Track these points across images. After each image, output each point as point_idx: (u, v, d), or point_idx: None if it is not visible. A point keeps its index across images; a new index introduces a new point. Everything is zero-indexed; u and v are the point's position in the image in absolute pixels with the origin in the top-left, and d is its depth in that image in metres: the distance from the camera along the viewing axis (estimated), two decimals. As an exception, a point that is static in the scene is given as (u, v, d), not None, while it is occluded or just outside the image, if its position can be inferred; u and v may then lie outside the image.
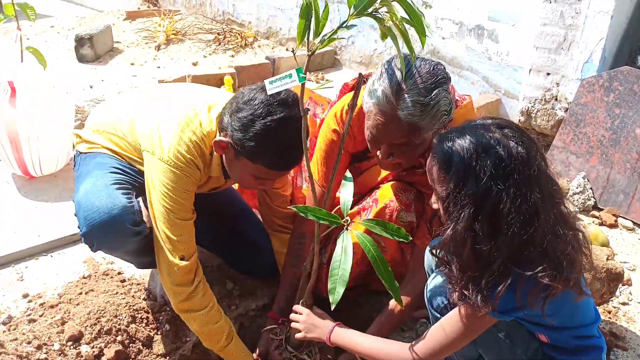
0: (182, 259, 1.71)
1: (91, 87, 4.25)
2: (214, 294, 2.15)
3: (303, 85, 1.32)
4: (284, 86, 1.35)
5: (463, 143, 1.31)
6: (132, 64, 4.86)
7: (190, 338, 2.00)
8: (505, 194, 1.25)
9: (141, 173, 1.82)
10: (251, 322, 2.20)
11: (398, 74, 1.59)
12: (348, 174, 1.64)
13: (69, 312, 1.96)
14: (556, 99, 3.35)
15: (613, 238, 2.86)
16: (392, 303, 1.87)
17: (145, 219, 1.74)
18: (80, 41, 4.85)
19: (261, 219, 2.24)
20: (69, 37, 5.36)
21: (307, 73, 1.36)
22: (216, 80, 4.17)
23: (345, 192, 1.58)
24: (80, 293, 2.08)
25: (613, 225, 2.97)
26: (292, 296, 1.92)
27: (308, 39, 1.32)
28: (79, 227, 1.73)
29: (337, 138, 1.96)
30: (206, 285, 1.81)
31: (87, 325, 1.89)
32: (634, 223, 2.97)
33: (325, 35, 1.32)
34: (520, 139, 1.31)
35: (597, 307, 2.24)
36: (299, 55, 5.19)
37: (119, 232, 1.69)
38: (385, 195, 1.93)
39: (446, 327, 1.43)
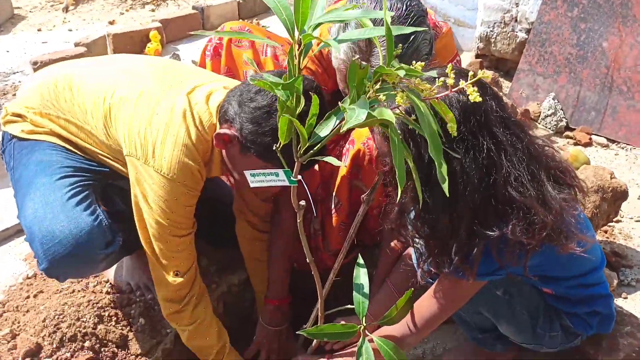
0: (176, 274, 1.48)
1: (-5, 60, 3.67)
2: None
3: (294, 188, 1.10)
4: (268, 183, 1.18)
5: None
6: (39, 30, 4.27)
7: (170, 329, 1.71)
8: (451, 151, 1.12)
9: (101, 166, 1.54)
10: (236, 298, 1.93)
11: None
12: (360, 260, 1.34)
13: (19, 322, 1.62)
14: (516, 20, 3.18)
15: (590, 156, 2.77)
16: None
17: (114, 216, 1.50)
18: (-29, 9, 4.18)
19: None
20: (-43, 6, 4.64)
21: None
22: (140, 37, 3.72)
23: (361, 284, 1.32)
24: (28, 297, 1.73)
25: (588, 144, 2.88)
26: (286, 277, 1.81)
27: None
28: (36, 258, 1.45)
29: (310, 73, 1.74)
30: (200, 299, 1.57)
31: (45, 335, 1.55)
32: (608, 139, 2.90)
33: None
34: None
35: (601, 228, 2.15)
36: (228, 1, 4.72)
37: (89, 260, 1.44)
38: (361, 134, 1.70)
39: (433, 299, 1.35)
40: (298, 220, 1.16)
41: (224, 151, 1.43)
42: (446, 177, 0.77)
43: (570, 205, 1.25)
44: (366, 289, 1.28)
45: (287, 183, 1.08)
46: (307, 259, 1.27)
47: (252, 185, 1.15)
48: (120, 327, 1.65)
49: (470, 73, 0.86)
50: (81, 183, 1.51)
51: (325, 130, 0.96)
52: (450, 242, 1.23)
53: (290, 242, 1.80)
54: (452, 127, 0.82)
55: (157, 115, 1.42)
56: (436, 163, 0.76)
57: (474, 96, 0.77)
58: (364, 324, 1.24)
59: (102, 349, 1.58)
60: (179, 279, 1.49)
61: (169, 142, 1.40)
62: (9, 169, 1.61)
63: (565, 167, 1.30)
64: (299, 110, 0.90)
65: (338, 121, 0.96)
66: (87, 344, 1.56)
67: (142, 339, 1.65)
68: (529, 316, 1.42)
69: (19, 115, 1.61)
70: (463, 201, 1.16)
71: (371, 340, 1.22)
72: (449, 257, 1.24)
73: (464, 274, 1.24)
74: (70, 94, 1.54)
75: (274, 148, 0.99)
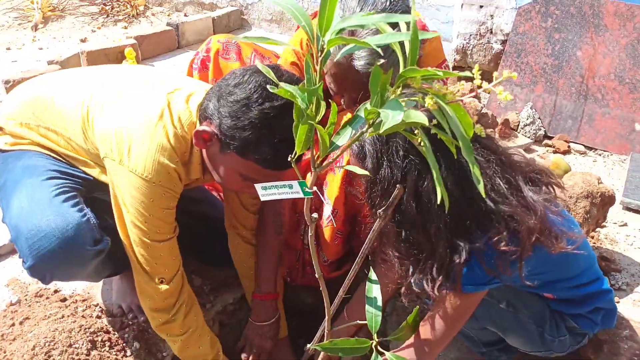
0: (161, 282, 1.42)
1: (-38, 79, 3.54)
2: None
3: (309, 199, 1.07)
4: (281, 195, 1.11)
5: None
6: (8, 49, 4.15)
7: (167, 352, 1.65)
8: (424, 169, 1.13)
9: (86, 175, 1.48)
10: (231, 317, 1.88)
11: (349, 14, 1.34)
12: (373, 276, 1.29)
13: (6, 352, 1.53)
14: (491, 32, 3.24)
15: (570, 164, 2.82)
16: None
17: (103, 231, 1.42)
18: None
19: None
20: None
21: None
22: (115, 54, 3.64)
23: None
24: (13, 324, 1.64)
25: (567, 152, 2.94)
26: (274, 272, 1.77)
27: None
28: (21, 258, 1.37)
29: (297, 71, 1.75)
30: (190, 307, 1.52)
31: (35, 364, 1.47)
32: (586, 146, 2.96)
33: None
34: None
35: (590, 234, 2.18)
36: (202, 18, 4.71)
37: (76, 257, 1.36)
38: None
39: (437, 317, 1.32)
40: (310, 234, 1.13)
41: (204, 151, 1.38)
42: (480, 179, 0.75)
43: (553, 203, 1.26)
44: (379, 303, 1.25)
45: (301, 195, 1.05)
46: (317, 275, 1.24)
47: (262, 198, 1.11)
48: (114, 353, 1.58)
49: (495, 74, 0.85)
50: (68, 185, 1.45)
51: (342, 139, 0.94)
52: (431, 259, 1.22)
53: (279, 238, 1.77)
54: (479, 129, 0.81)
55: (134, 114, 1.37)
56: (470, 164, 0.75)
57: (504, 95, 0.76)
58: (376, 340, 1.22)
59: (97, 376, 1.51)
60: (165, 287, 1.43)
61: (145, 142, 1.34)
62: None
63: (540, 168, 1.31)
64: (318, 118, 0.88)
65: (354, 131, 0.95)
66: (81, 371, 1.49)
67: (137, 363, 1.58)
68: (535, 324, 1.42)
69: None
70: (437, 217, 1.16)
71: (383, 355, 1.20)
72: (432, 274, 1.23)
73: (451, 288, 1.23)
74: (51, 103, 1.49)
75: (288, 159, 0.97)
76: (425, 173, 1.14)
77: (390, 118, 0.70)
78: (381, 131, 0.70)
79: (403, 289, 1.35)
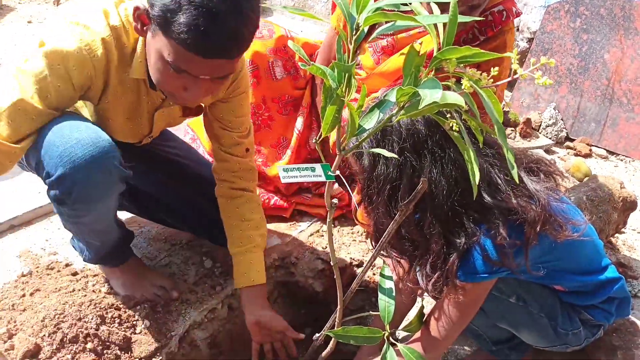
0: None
1: (-17, 51, 3.56)
2: (191, 276, 1.82)
3: (331, 183, 1.07)
4: (303, 178, 1.09)
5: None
6: (30, 22, 4.16)
7: (175, 332, 1.64)
8: (419, 164, 1.14)
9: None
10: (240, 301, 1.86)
11: None
12: (386, 272, 1.28)
13: (15, 322, 1.52)
14: (518, 30, 3.19)
15: (591, 168, 2.77)
16: None
17: None
18: (-41, -2, 4.06)
19: None
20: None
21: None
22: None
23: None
24: (24, 295, 1.64)
25: (588, 155, 2.89)
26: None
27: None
28: (47, 174, 1.31)
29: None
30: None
31: (44, 335, 1.46)
32: (607, 151, 2.91)
33: None
34: None
35: (609, 239, 2.14)
36: None
37: (106, 173, 1.31)
38: None
39: (444, 310, 1.31)
40: (328, 220, 1.11)
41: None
42: (514, 165, 0.73)
43: (555, 191, 1.26)
44: (393, 293, 1.23)
45: (324, 179, 1.03)
46: (332, 262, 1.22)
47: (283, 180, 1.09)
48: (123, 329, 1.57)
49: (532, 60, 0.82)
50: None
51: (369, 122, 0.92)
52: (426, 255, 1.22)
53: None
54: (513, 114, 0.78)
55: (79, 11, 1.33)
56: (505, 149, 0.72)
57: (544, 80, 0.74)
58: (389, 331, 1.20)
59: (105, 351, 1.49)
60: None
61: (89, 5, 1.32)
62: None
63: (538, 158, 1.31)
64: (348, 97, 0.86)
65: (382, 114, 0.92)
66: (89, 345, 1.47)
67: (146, 341, 1.57)
68: (547, 318, 1.39)
69: None
70: (432, 213, 1.17)
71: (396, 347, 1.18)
72: (426, 270, 1.23)
73: (448, 284, 1.23)
74: None
75: (313, 141, 0.95)
76: (420, 169, 1.16)
77: (429, 96, 0.67)
78: (420, 108, 0.67)
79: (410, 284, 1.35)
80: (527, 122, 2.90)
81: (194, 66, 1.21)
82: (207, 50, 1.17)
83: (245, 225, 1.68)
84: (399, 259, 1.36)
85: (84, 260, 1.67)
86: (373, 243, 1.34)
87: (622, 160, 2.87)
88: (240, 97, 1.60)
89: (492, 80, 0.83)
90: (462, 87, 0.74)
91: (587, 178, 2.27)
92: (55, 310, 1.53)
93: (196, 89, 1.27)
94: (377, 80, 1.95)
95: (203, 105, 1.59)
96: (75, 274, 1.75)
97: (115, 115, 1.48)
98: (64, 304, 1.56)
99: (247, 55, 1.99)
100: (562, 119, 2.96)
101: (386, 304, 1.23)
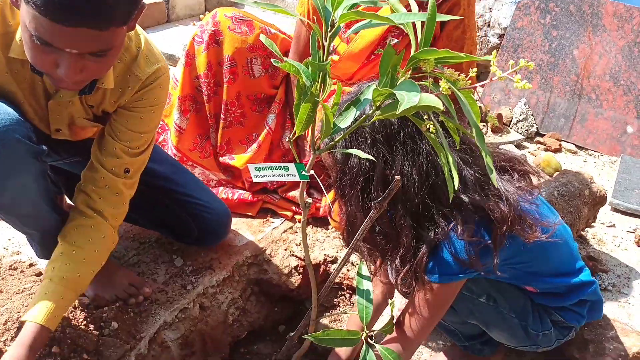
0: None
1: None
2: (161, 275, 1.78)
3: (303, 183, 1.06)
4: (275, 178, 1.06)
5: None
6: None
7: (144, 333, 1.60)
8: (391, 156, 1.13)
9: None
10: (212, 300, 1.83)
11: None
12: (364, 271, 1.26)
13: (-24, 326, 1.46)
14: (489, 25, 3.20)
15: (561, 162, 2.81)
16: None
17: None
18: None
19: None
20: None
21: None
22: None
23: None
24: (-16, 298, 1.57)
25: (557, 150, 2.93)
26: None
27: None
28: None
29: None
30: None
31: (7, 339, 1.41)
32: (577, 146, 2.95)
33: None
34: None
35: (579, 233, 2.17)
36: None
37: (7, 147, 1.22)
38: None
39: (415, 310, 1.30)
40: (302, 220, 1.09)
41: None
42: (493, 169, 0.72)
43: (527, 191, 1.25)
44: (370, 295, 1.22)
45: (297, 178, 1.00)
46: (306, 262, 1.20)
47: (255, 180, 1.06)
48: (90, 332, 1.52)
49: (511, 62, 0.81)
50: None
51: (345, 121, 0.89)
52: (397, 248, 1.21)
53: None
54: (492, 118, 0.77)
55: None
56: (483, 152, 0.71)
57: (522, 84, 0.73)
58: (367, 332, 1.19)
59: (72, 355, 1.45)
60: None
61: None
62: None
63: (512, 156, 1.30)
64: (323, 96, 0.83)
65: (358, 112, 0.90)
66: (54, 349, 1.43)
67: (114, 344, 1.52)
68: (518, 318, 1.39)
69: None
70: (403, 206, 1.16)
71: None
72: (396, 264, 1.22)
73: (417, 279, 1.22)
74: None
75: (287, 139, 0.92)
76: (392, 161, 1.14)
77: (407, 100, 0.65)
78: (397, 112, 0.65)
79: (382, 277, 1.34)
80: (499, 117, 2.92)
81: (56, 36, 1.07)
82: (61, 14, 1.03)
83: (69, 250, 1.39)
84: (370, 254, 1.34)
85: (38, 256, 1.60)
86: (345, 236, 1.33)
87: (590, 155, 2.92)
88: (144, 110, 1.44)
89: (470, 82, 0.82)
90: (440, 89, 0.72)
91: (557, 173, 2.30)
92: (18, 312, 1.48)
93: (66, 65, 1.12)
94: (347, 64, 1.93)
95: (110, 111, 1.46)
96: (39, 274, 1.70)
97: (17, 95, 1.35)
98: (27, 305, 1.50)
99: (227, 52, 1.95)
100: (532, 115, 2.99)
101: (364, 306, 1.21)
